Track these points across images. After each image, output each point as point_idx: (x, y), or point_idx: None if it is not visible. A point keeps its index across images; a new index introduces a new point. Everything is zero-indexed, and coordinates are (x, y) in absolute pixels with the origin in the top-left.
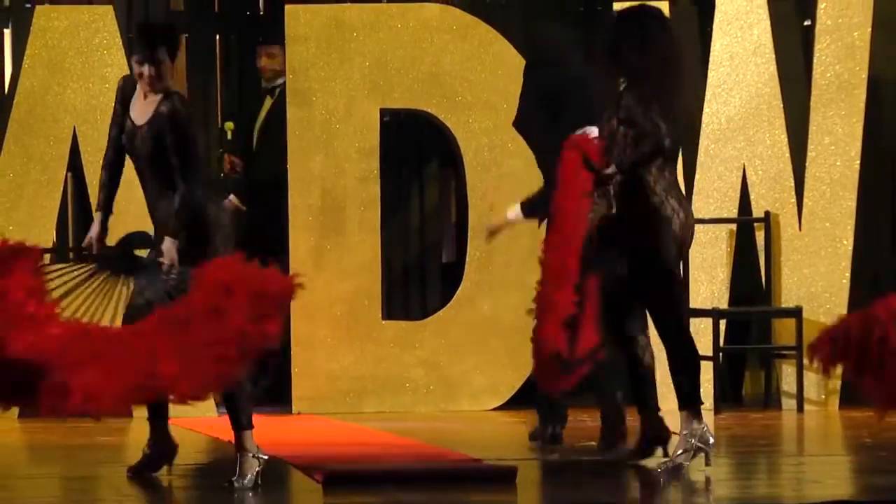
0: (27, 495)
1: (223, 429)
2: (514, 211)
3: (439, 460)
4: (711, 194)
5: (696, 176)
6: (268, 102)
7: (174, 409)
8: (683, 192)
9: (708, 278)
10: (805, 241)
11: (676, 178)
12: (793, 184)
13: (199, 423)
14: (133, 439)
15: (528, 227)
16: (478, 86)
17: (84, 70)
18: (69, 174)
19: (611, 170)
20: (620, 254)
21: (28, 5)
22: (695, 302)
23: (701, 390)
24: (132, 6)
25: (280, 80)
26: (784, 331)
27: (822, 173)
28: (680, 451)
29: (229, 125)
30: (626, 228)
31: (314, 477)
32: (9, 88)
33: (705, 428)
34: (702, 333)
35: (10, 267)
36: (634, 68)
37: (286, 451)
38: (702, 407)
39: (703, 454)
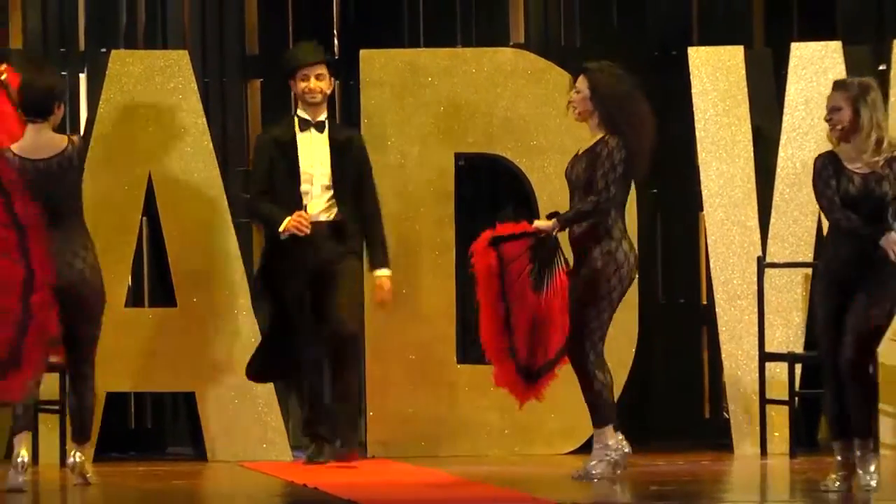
0: None
1: (296, 472)
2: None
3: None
4: (787, 238)
5: (772, 220)
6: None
7: (246, 453)
8: (758, 235)
9: (783, 322)
10: None
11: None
12: None
13: (271, 466)
14: (208, 484)
15: None
16: (552, 130)
17: (159, 114)
18: (144, 218)
19: (546, 225)
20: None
21: (103, 50)
22: (770, 346)
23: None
24: (206, 51)
25: (323, 112)
26: None
27: None
28: (594, 462)
29: None
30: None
31: None
32: (84, 132)
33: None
34: (777, 377)
35: None
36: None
37: (361, 495)
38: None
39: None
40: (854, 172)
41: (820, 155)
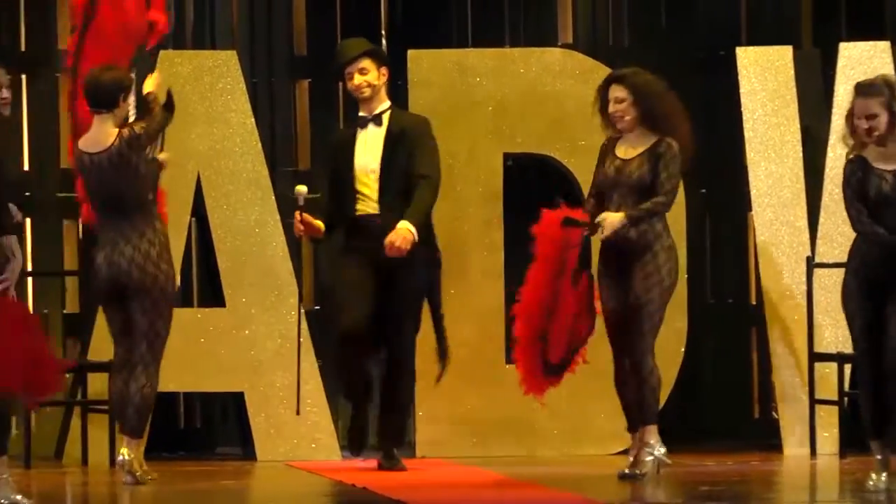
0: None
1: (346, 472)
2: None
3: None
4: (835, 238)
5: (821, 220)
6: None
7: (295, 453)
8: (807, 235)
9: (832, 322)
10: None
11: None
12: None
13: (322, 466)
14: (256, 483)
15: None
16: (600, 130)
17: (208, 114)
18: (193, 219)
19: (616, 220)
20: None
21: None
22: (819, 346)
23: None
24: (255, 51)
25: (381, 105)
26: None
27: None
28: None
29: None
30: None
31: None
32: None
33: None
34: (826, 377)
35: None
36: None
37: (410, 496)
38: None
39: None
40: (885, 171)
41: (848, 160)
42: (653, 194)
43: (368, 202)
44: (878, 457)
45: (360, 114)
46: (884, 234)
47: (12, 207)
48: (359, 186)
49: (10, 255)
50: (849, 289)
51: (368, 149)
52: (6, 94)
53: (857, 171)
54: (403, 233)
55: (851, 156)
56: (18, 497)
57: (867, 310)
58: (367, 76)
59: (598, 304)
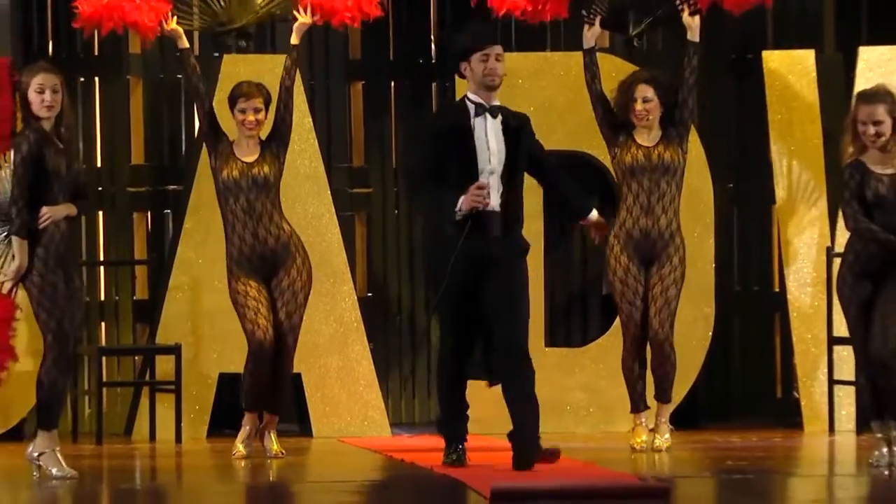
0: None
1: (395, 447)
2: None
3: (599, 478)
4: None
5: (839, 213)
6: None
7: (348, 429)
8: (827, 227)
9: None
10: None
11: None
12: None
13: (371, 442)
14: (312, 458)
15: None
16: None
17: (269, 114)
18: None
19: None
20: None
21: (216, 54)
22: (838, 330)
23: None
24: (313, 55)
25: (497, 97)
26: None
27: None
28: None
29: None
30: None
31: (483, 493)
32: (198, 133)
33: None
34: (844, 360)
35: None
36: None
37: (454, 468)
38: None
39: None
40: (882, 174)
41: (848, 164)
42: None
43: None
44: (879, 435)
45: (477, 101)
46: (879, 231)
47: (47, 209)
48: (481, 174)
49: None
50: (844, 280)
51: (490, 138)
52: (49, 98)
53: (855, 175)
54: (599, 221)
55: (851, 160)
56: (64, 470)
57: (862, 302)
58: (500, 64)
59: None
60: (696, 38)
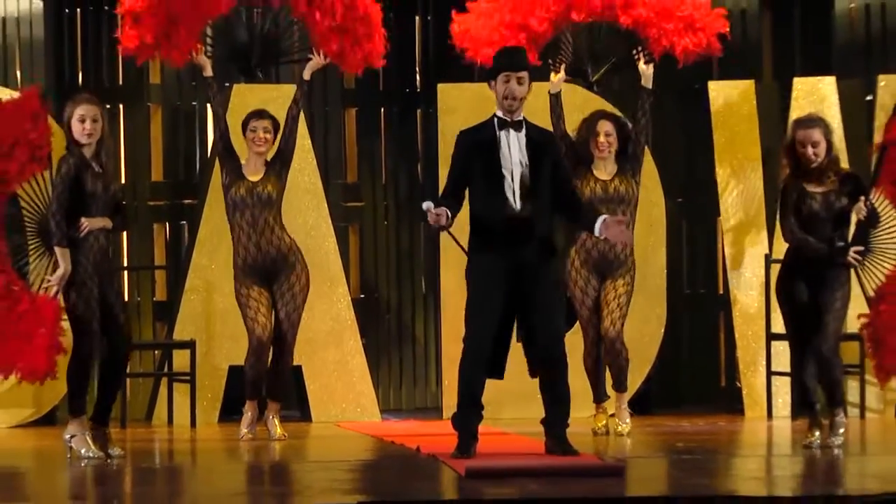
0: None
1: (386, 431)
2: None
3: (563, 458)
4: None
5: (776, 224)
6: None
7: (343, 415)
8: (765, 236)
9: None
10: None
11: None
12: None
13: (365, 426)
14: (312, 441)
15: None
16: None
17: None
18: None
19: None
20: None
21: (227, 84)
22: (775, 327)
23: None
24: (312, 84)
25: (520, 113)
26: (847, 353)
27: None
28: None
29: None
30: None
31: (459, 472)
32: (211, 153)
33: None
34: (780, 354)
35: None
36: None
37: (437, 448)
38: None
39: None
40: (816, 192)
41: (784, 183)
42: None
43: (514, 199)
44: (809, 419)
45: (502, 117)
46: (813, 242)
47: (90, 221)
48: (507, 184)
49: (58, 264)
50: (781, 284)
51: (513, 150)
52: (89, 126)
53: (792, 193)
54: (610, 223)
55: (787, 179)
56: (91, 451)
57: (794, 303)
58: (523, 87)
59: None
60: (649, 85)
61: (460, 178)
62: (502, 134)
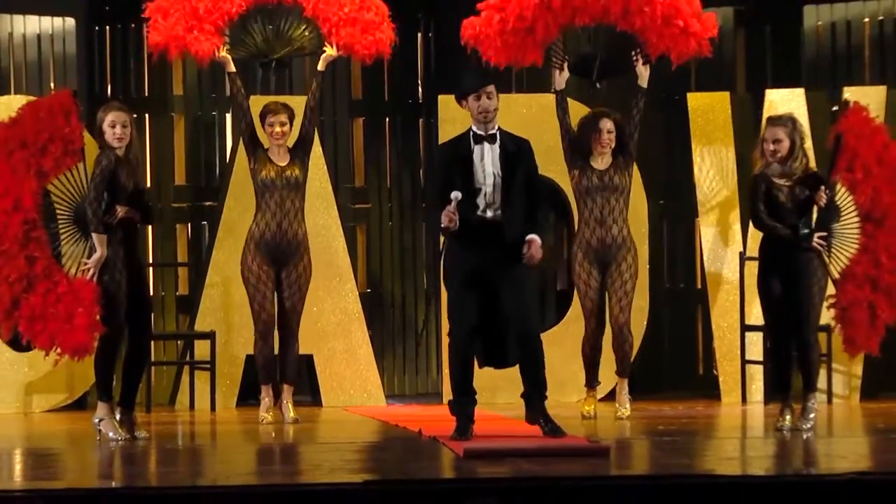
0: (241, 464)
1: (391, 415)
2: None
3: (553, 440)
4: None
5: (750, 224)
6: None
7: (351, 400)
8: (740, 235)
9: (759, 302)
10: None
11: None
12: None
13: (370, 410)
14: (322, 424)
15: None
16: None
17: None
18: None
19: None
20: None
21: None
22: (748, 319)
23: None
24: (324, 95)
25: (494, 126)
26: None
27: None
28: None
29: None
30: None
31: (458, 453)
32: (229, 159)
33: None
34: (754, 343)
35: None
36: None
37: (438, 431)
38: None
39: None
40: (783, 185)
41: (754, 175)
42: None
43: (486, 205)
44: (781, 404)
45: (477, 132)
46: (780, 227)
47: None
48: (479, 193)
49: (94, 249)
50: (758, 277)
51: (487, 161)
52: (119, 131)
53: (761, 184)
54: (533, 242)
55: (758, 171)
56: (118, 433)
57: (771, 297)
58: (493, 101)
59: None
60: (645, 85)
61: (444, 189)
62: (477, 148)
